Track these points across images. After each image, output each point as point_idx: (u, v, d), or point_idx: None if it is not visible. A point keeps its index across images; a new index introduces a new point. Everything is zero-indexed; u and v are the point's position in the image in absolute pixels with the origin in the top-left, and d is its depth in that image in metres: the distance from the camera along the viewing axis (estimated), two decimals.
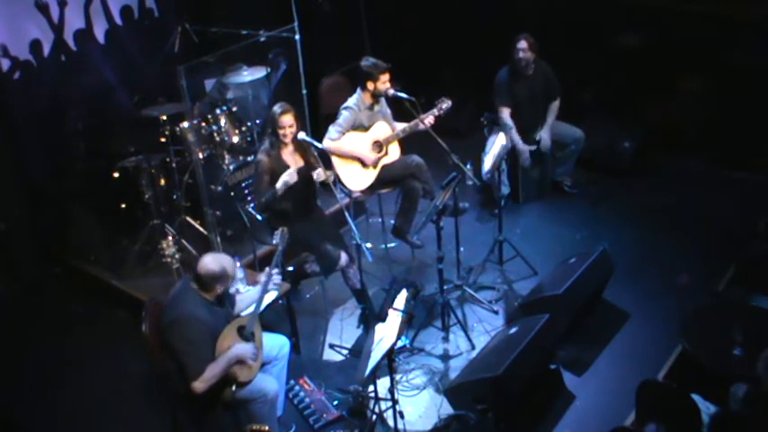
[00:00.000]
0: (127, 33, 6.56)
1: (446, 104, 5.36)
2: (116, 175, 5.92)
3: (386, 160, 5.47)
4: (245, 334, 3.99)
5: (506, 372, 4.04)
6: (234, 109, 6.10)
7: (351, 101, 5.39)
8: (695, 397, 3.61)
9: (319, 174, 4.91)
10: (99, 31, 6.41)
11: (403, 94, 5.24)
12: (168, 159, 5.87)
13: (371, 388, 4.41)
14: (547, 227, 6.20)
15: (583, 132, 6.31)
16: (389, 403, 4.26)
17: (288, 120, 4.86)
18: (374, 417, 4.42)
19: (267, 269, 4.31)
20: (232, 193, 5.85)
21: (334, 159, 5.32)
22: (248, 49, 5.92)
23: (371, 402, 4.45)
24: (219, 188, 5.75)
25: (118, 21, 6.52)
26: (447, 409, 4.46)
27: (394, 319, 4.08)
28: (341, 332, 5.26)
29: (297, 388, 4.70)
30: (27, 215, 6.06)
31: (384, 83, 5.30)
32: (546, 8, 7.13)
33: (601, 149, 6.64)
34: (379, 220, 6.12)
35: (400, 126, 5.48)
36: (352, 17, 7.61)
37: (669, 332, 4.65)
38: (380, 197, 5.88)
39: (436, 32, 7.62)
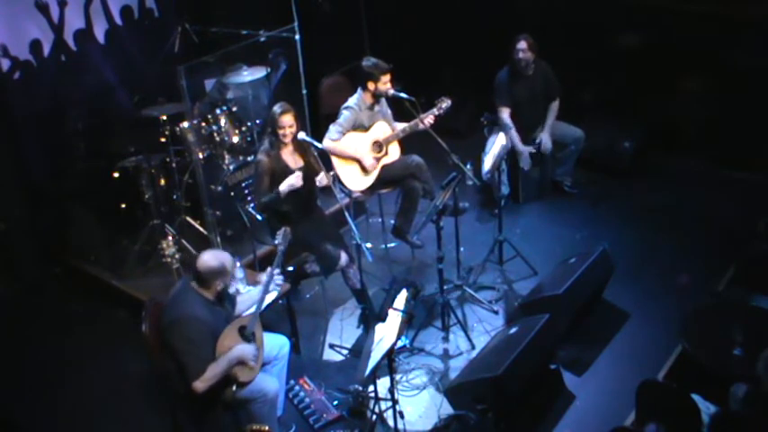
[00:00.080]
0: (127, 33, 6.56)
1: (446, 104, 5.36)
2: (116, 175, 5.92)
3: (386, 160, 5.47)
4: (245, 334, 3.99)
5: (506, 372, 4.04)
6: (234, 109, 6.10)
7: (351, 101, 5.39)
8: (695, 397, 3.61)
9: (322, 179, 4.91)
10: (99, 31, 6.41)
11: (403, 94, 5.24)
12: (168, 159, 5.87)
13: (371, 388, 4.42)
14: (547, 227, 6.20)
15: (583, 132, 6.31)
16: (389, 403, 4.26)
17: (288, 120, 4.86)
18: (374, 417, 4.42)
19: (269, 269, 4.31)
20: (232, 193, 5.85)
21: (335, 159, 5.32)
22: (248, 49, 5.92)
23: (371, 402, 4.45)
24: (219, 188, 5.75)
25: (118, 21, 6.52)
26: (447, 409, 4.46)
27: (394, 319, 4.08)
28: (341, 332, 5.26)
29: (297, 388, 4.70)
30: (27, 215, 6.06)
31: (385, 83, 5.30)
32: (546, 8, 7.13)
33: (601, 149, 6.64)
34: (379, 220, 6.12)
35: (400, 126, 5.48)
36: (352, 17, 7.61)
37: (669, 332, 4.65)
38: (380, 197, 5.88)
39: (436, 32, 7.62)
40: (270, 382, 4.10)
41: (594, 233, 5.95)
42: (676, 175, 6.64)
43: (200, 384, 3.77)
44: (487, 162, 5.72)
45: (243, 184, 5.95)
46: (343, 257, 4.97)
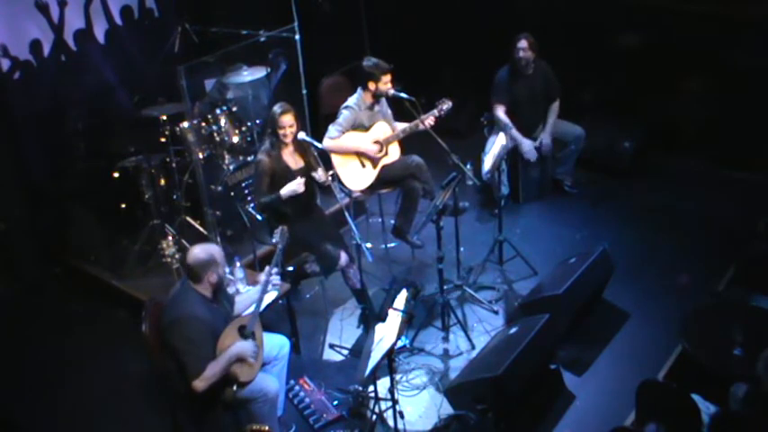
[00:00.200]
0: (127, 33, 6.56)
1: (446, 105, 5.36)
2: (116, 175, 5.92)
3: (386, 160, 5.48)
4: (245, 333, 3.99)
5: (506, 372, 4.04)
6: (234, 109, 6.10)
7: (351, 100, 5.40)
8: (695, 397, 3.61)
9: (321, 175, 4.90)
10: (99, 31, 6.41)
11: (403, 95, 5.24)
12: (168, 159, 5.87)
13: (371, 388, 4.41)
14: (547, 227, 6.20)
15: (583, 130, 6.31)
16: (389, 403, 4.25)
17: (288, 120, 4.86)
18: (374, 417, 4.42)
19: (267, 268, 4.31)
20: (232, 193, 5.85)
21: (335, 159, 5.32)
22: (248, 49, 5.92)
23: (371, 402, 4.45)
24: (219, 188, 5.75)
25: (118, 21, 6.52)
26: (447, 409, 4.45)
27: (394, 319, 4.08)
28: (341, 332, 5.26)
29: (297, 388, 4.70)
30: (27, 215, 6.06)
31: (386, 83, 5.30)
32: (546, 8, 7.13)
33: (601, 149, 6.64)
34: (379, 220, 6.12)
35: (400, 126, 5.48)
36: (352, 17, 7.61)
37: (669, 332, 4.65)
38: (380, 197, 5.88)
39: (436, 32, 7.62)
40: (270, 382, 4.10)
41: (594, 233, 5.95)
42: (676, 175, 6.64)
43: (200, 384, 3.77)
44: (487, 162, 5.72)
45: (243, 184, 5.95)
46: (343, 257, 4.97)
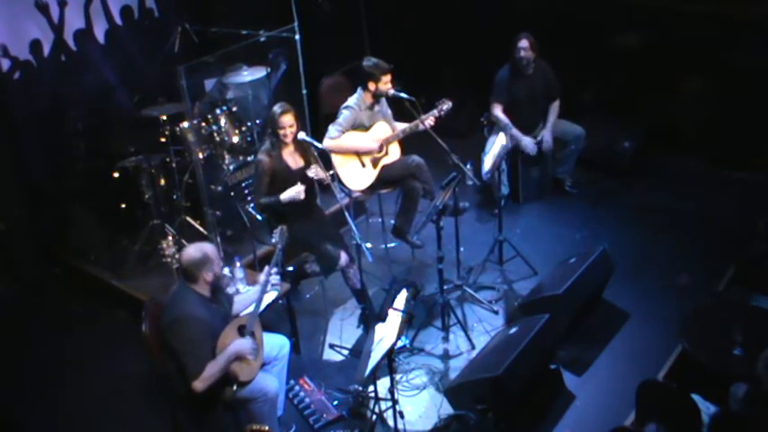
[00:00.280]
0: (127, 33, 6.56)
1: (446, 106, 5.36)
2: (116, 175, 5.92)
3: (386, 160, 5.48)
4: (245, 333, 3.99)
5: (506, 372, 4.04)
6: (234, 109, 6.11)
7: (351, 100, 5.40)
8: (695, 397, 3.61)
9: (317, 172, 4.89)
10: (99, 31, 6.41)
11: (403, 95, 5.24)
12: (168, 159, 5.87)
13: (371, 388, 4.42)
14: (547, 227, 6.20)
15: (583, 129, 6.31)
16: (389, 403, 4.25)
17: (288, 120, 4.86)
18: (374, 417, 4.42)
19: (266, 268, 4.31)
20: (232, 193, 5.85)
21: (335, 159, 5.32)
22: (248, 49, 5.92)
23: (371, 402, 4.45)
24: (219, 188, 5.75)
25: (118, 21, 6.52)
26: (447, 409, 4.45)
27: (394, 319, 4.08)
28: (341, 332, 5.26)
29: (297, 388, 4.70)
30: (27, 215, 6.06)
31: (386, 83, 5.30)
32: (546, 8, 7.13)
33: (601, 149, 6.64)
34: (379, 220, 6.12)
35: (401, 126, 5.48)
36: (352, 17, 7.61)
37: (669, 332, 4.64)
38: (380, 197, 5.88)
39: (436, 32, 7.62)
40: (270, 382, 4.09)
41: (594, 233, 5.95)
42: (676, 175, 6.64)
43: (199, 384, 3.76)
44: (487, 162, 5.71)
45: (243, 184, 5.95)
46: (343, 257, 4.97)
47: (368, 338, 4.22)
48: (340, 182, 5.34)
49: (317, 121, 6.54)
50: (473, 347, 4.97)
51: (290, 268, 5.22)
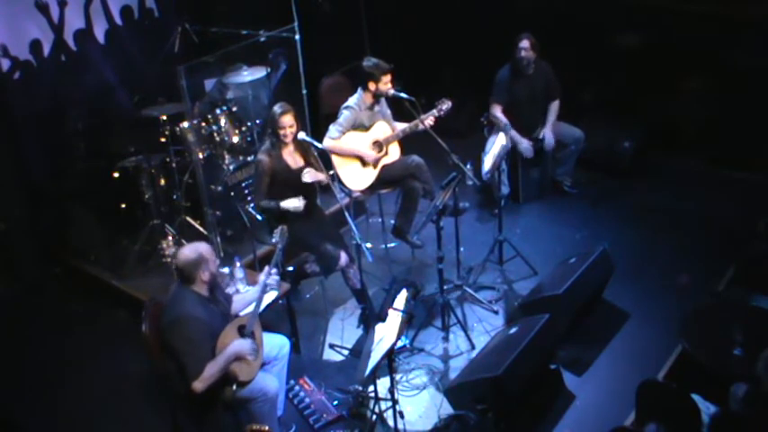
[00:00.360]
0: (127, 33, 6.56)
1: (446, 105, 5.36)
2: (116, 175, 5.92)
3: (386, 160, 5.48)
4: (245, 333, 3.99)
5: (506, 372, 4.04)
6: (234, 109, 6.11)
7: (351, 100, 5.40)
8: (695, 397, 3.61)
9: (312, 176, 4.89)
10: (99, 31, 6.41)
11: (403, 95, 5.24)
12: (168, 159, 5.87)
13: (371, 388, 4.42)
14: (547, 227, 6.20)
15: (583, 132, 6.31)
16: (389, 403, 4.26)
17: (288, 120, 4.86)
18: (374, 417, 4.42)
19: (266, 268, 4.31)
20: (232, 193, 5.85)
21: (335, 159, 5.32)
22: (248, 49, 5.92)
23: (371, 402, 4.45)
24: (219, 188, 5.75)
25: (118, 21, 6.52)
26: (447, 409, 4.45)
27: (394, 319, 4.08)
28: (341, 332, 5.26)
29: (297, 388, 4.70)
30: (27, 215, 6.06)
31: (386, 83, 5.30)
32: (546, 8, 7.13)
33: (601, 149, 6.64)
34: (379, 220, 6.12)
35: (400, 126, 5.48)
36: (352, 17, 7.61)
37: (669, 332, 4.64)
38: (380, 197, 5.88)
39: (436, 32, 7.62)
40: (270, 382, 4.09)
41: (594, 233, 5.95)
42: (676, 175, 6.65)
43: (199, 384, 3.76)
44: (487, 162, 5.71)
45: (243, 184, 5.95)
46: (343, 257, 4.97)
47: (368, 338, 4.22)
48: (340, 182, 5.34)
49: (317, 121, 6.54)
50: (473, 347, 4.97)
51: (290, 268, 5.22)
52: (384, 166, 5.47)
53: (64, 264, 6.16)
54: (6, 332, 5.55)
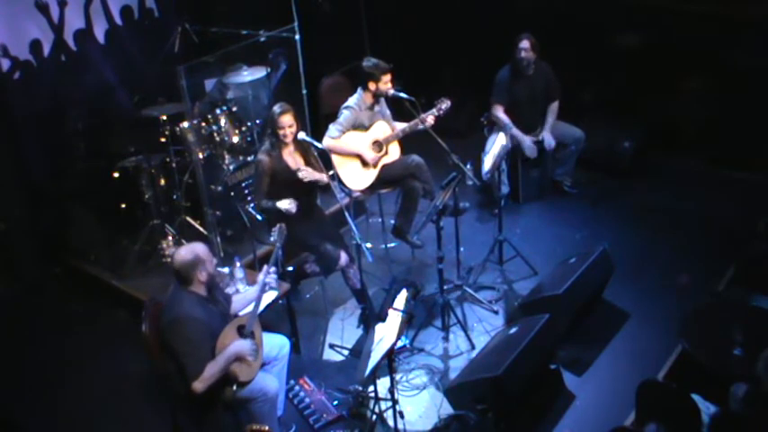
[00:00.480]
0: (127, 33, 6.56)
1: (446, 105, 5.36)
2: (116, 175, 5.92)
3: (386, 160, 5.48)
4: (244, 333, 3.98)
5: (506, 372, 4.04)
6: (234, 109, 6.11)
7: (351, 100, 5.40)
8: (695, 397, 3.61)
9: (308, 174, 4.88)
10: (99, 31, 6.40)
11: (403, 94, 5.24)
12: (168, 159, 5.87)
13: (371, 388, 4.42)
14: (547, 227, 6.20)
15: (583, 132, 6.31)
16: (389, 403, 4.25)
17: (287, 120, 4.86)
18: (374, 417, 4.42)
19: (265, 267, 4.31)
20: (232, 193, 5.85)
21: (335, 158, 5.32)
22: (248, 49, 5.92)
23: (371, 402, 4.45)
24: (219, 188, 5.75)
25: (118, 21, 6.52)
26: (447, 409, 4.45)
27: (394, 319, 4.08)
28: (341, 332, 5.26)
29: (297, 388, 4.70)
30: (27, 215, 6.06)
31: (386, 83, 5.31)
32: (546, 8, 7.13)
33: (601, 149, 6.64)
34: (379, 220, 6.12)
35: (400, 126, 5.48)
36: (352, 17, 7.61)
37: (669, 332, 4.64)
38: (380, 197, 5.88)
39: (436, 32, 7.62)
40: (270, 382, 4.09)
41: (594, 233, 5.95)
42: (676, 175, 6.65)
43: (199, 385, 3.76)
44: (487, 162, 5.72)
45: (243, 184, 5.95)
46: (343, 257, 4.97)
47: (368, 338, 4.23)
48: (340, 181, 5.34)
49: (317, 121, 6.54)
50: (473, 347, 4.97)
51: (290, 268, 5.22)
52: (384, 166, 5.47)
53: (64, 264, 6.16)
54: (6, 332, 5.55)
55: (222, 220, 5.78)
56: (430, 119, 5.32)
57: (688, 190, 6.41)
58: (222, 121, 5.95)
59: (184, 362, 3.78)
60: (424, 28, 7.67)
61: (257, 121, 6.17)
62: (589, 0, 6.84)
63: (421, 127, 5.31)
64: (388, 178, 5.49)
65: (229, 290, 4.51)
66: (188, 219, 5.88)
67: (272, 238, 4.45)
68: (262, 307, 4.27)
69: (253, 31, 5.90)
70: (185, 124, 5.70)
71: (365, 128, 5.41)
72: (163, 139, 5.85)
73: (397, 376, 4.69)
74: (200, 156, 5.72)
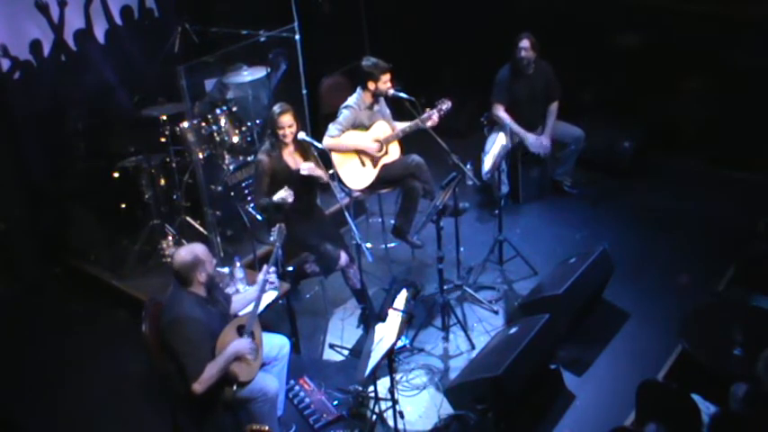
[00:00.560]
0: (127, 33, 6.56)
1: (446, 105, 5.37)
2: (116, 175, 5.92)
3: (386, 160, 5.48)
4: (244, 333, 3.98)
5: (506, 372, 4.04)
6: (234, 109, 6.11)
7: (351, 100, 5.40)
8: (695, 397, 3.61)
9: (311, 169, 4.88)
10: (99, 31, 6.41)
11: (403, 94, 5.25)
12: (168, 159, 5.87)
13: (371, 388, 4.42)
14: (547, 227, 6.20)
15: (583, 132, 6.31)
16: (389, 403, 4.25)
17: (287, 120, 4.86)
18: (374, 417, 4.42)
19: (265, 267, 4.31)
20: (232, 193, 5.85)
21: (335, 158, 5.32)
22: (248, 49, 5.92)
23: (371, 402, 4.45)
24: (219, 188, 5.75)
25: (118, 21, 6.52)
26: (447, 409, 4.45)
27: (394, 319, 4.08)
28: (341, 332, 5.26)
29: (297, 388, 4.69)
30: (27, 215, 6.06)
31: (385, 83, 5.31)
32: (546, 8, 7.13)
33: (601, 149, 6.64)
34: (379, 220, 6.12)
35: (400, 126, 5.48)
36: (352, 17, 7.61)
37: (669, 332, 4.64)
38: (380, 197, 5.88)
39: (436, 32, 7.62)
40: (270, 382, 4.09)
41: (594, 233, 5.95)
42: (676, 175, 6.65)
43: (198, 386, 3.75)
44: (487, 162, 5.72)
45: (243, 184, 5.95)
46: (343, 257, 4.97)
47: (368, 338, 4.23)
48: (340, 181, 5.34)
49: (317, 121, 6.54)
50: (473, 347, 4.97)
51: (290, 268, 5.22)
52: (384, 166, 5.47)
53: (64, 264, 6.16)
54: (6, 332, 5.55)
55: (222, 220, 5.78)
56: (435, 117, 5.31)
57: (688, 190, 6.41)
58: (222, 121, 5.95)
59: (184, 362, 3.78)
60: (424, 28, 7.67)
61: (257, 121, 6.17)
62: (589, 0, 6.84)
63: (421, 126, 5.31)
64: (388, 178, 5.49)
65: (229, 290, 4.51)
66: (188, 219, 5.89)
67: (271, 238, 4.45)
68: (262, 307, 4.27)
69: (253, 31, 5.90)
70: (185, 124, 5.70)
71: (365, 127, 5.41)
72: (163, 139, 5.85)
73: (397, 376, 4.69)
74: (200, 156, 5.72)
